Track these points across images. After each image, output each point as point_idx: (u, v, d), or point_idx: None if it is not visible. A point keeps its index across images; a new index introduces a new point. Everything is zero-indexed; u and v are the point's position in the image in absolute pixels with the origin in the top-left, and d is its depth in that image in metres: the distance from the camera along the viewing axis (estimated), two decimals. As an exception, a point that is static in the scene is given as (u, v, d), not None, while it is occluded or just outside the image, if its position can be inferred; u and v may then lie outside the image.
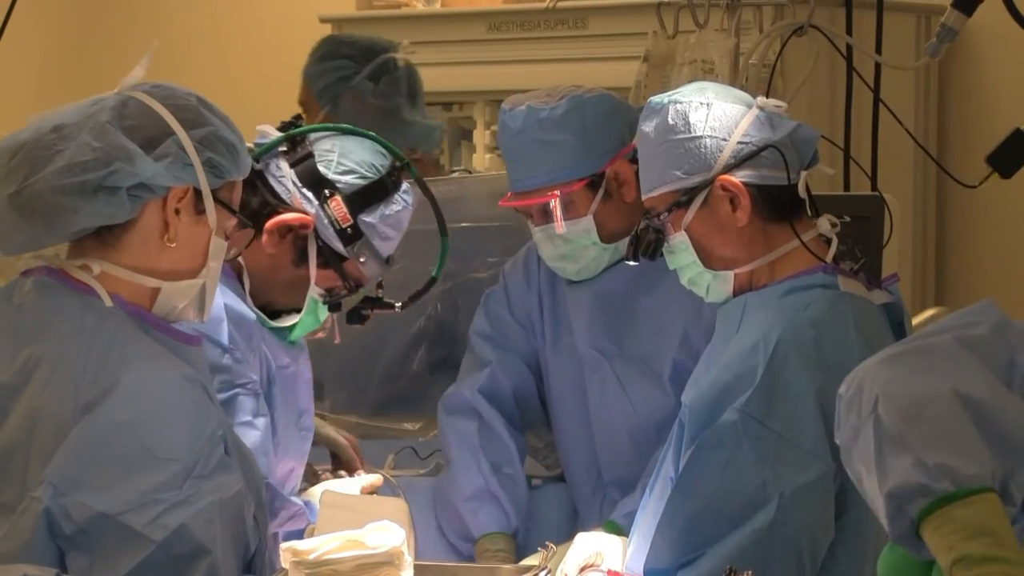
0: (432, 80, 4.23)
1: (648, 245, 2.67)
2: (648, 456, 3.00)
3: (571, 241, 3.04)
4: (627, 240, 2.77)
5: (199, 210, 2.31)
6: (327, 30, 4.42)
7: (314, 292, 2.80)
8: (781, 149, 2.58)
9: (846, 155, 3.67)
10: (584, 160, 3.03)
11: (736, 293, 2.63)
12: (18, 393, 2.21)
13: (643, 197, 2.69)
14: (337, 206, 2.77)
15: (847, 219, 2.70)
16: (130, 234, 2.28)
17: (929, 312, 3.59)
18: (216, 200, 2.31)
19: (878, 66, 3.40)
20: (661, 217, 2.63)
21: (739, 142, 2.59)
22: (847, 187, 3.55)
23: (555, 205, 3.01)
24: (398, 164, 2.84)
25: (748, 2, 3.53)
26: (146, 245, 2.28)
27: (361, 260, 2.80)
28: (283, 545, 2.25)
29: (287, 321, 2.84)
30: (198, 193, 2.30)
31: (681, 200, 2.61)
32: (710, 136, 2.60)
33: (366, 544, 2.24)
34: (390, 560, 2.24)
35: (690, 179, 2.61)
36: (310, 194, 2.78)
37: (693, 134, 2.61)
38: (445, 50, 4.22)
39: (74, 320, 2.24)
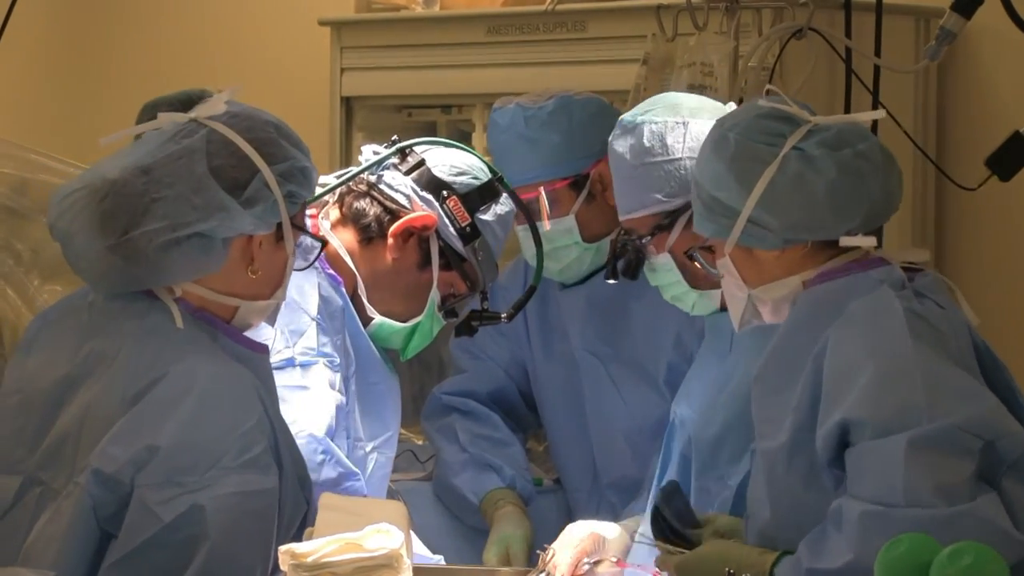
0: (431, 83, 4.22)
1: (628, 265, 2.66)
2: (645, 457, 3.00)
3: (552, 240, 3.05)
4: (610, 242, 2.76)
5: (278, 238, 2.39)
6: (326, 33, 4.41)
7: (435, 295, 2.85)
8: None
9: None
10: (568, 160, 3.05)
11: (723, 306, 2.60)
12: (77, 385, 2.30)
13: (621, 218, 2.67)
14: (456, 205, 2.86)
15: None
16: None
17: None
18: (292, 225, 2.40)
19: (877, 69, 3.40)
20: (643, 240, 2.61)
21: None
22: (846, 190, 3.54)
23: (541, 201, 3.03)
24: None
25: (747, 5, 3.53)
26: (232, 275, 2.36)
27: (479, 259, 2.86)
28: (281, 548, 2.25)
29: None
30: (278, 223, 2.37)
31: (663, 223, 2.59)
32: (690, 157, 2.57)
33: (365, 547, 2.24)
34: (389, 563, 2.24)
35: (671, 202, 2.59)
36: (429, 196, 2.85)
37: (672, 156, 2.58)
38: (444, 53, 4.21)
39: (138, 319, 2.31)
